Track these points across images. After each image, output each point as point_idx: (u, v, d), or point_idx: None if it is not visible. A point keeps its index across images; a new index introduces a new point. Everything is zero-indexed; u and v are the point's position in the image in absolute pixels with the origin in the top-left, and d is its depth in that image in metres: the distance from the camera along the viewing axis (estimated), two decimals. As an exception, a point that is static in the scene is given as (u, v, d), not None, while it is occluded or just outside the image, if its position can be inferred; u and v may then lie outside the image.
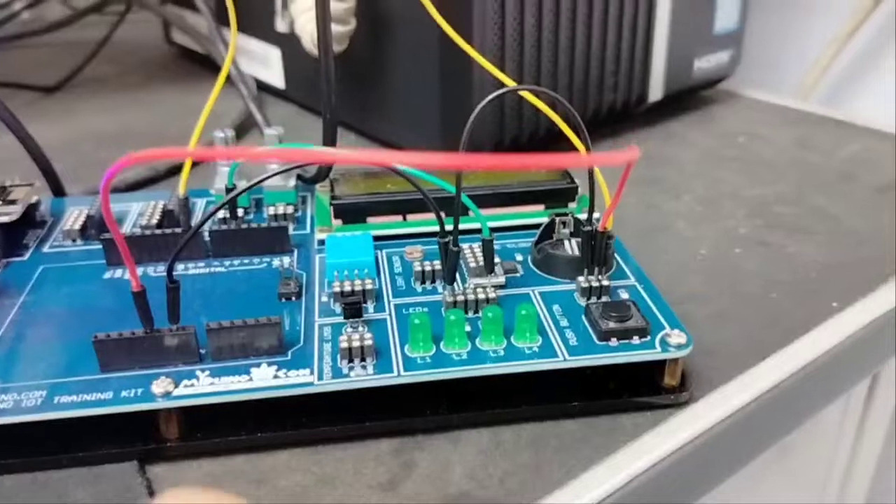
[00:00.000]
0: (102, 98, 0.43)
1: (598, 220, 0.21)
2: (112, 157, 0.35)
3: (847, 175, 0.32)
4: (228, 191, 0.22)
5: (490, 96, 0.17)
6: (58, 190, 0.27)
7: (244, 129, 0.37)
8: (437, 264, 0.21)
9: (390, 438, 0.18)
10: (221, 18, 0.42)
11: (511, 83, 0.19)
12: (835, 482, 0.33)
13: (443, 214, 0.20)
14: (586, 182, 0.21)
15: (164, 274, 0.17)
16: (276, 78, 0.39)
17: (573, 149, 0.29)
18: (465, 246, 0.21)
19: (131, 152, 0.14)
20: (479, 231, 0.21)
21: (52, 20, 0.55)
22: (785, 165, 0.33)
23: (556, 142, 0.32)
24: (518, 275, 0.21)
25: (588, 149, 0.18)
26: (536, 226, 0.23)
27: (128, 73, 0.47)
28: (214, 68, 0.44)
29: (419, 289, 0.21)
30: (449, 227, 0.20)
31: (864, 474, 0.33)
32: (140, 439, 0.17)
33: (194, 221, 0.23)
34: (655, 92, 0.35)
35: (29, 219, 0.24)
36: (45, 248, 0.23)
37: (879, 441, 0.33)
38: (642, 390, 0.19)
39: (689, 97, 0.39)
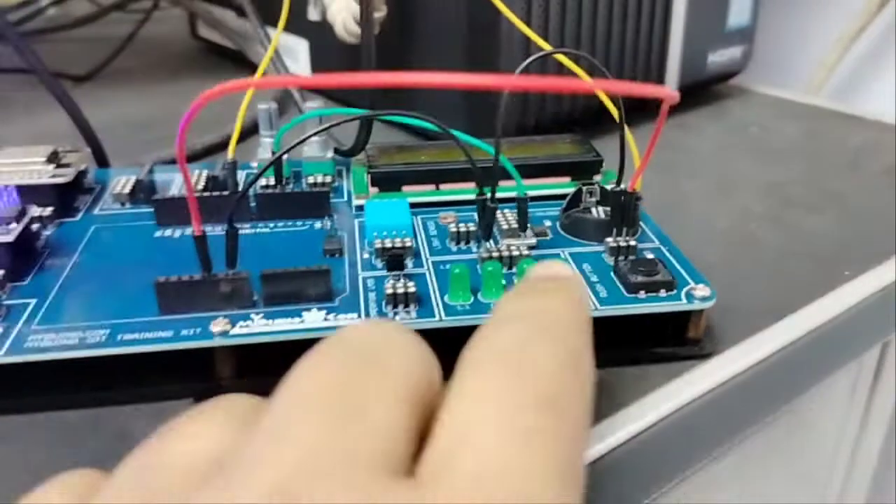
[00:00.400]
0: (132, 88, 0.44)
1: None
2: (146, 140, 0.37)
3: (855, 161, 0.33)
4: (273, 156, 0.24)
5: (533, 56, 0.19)
6: (102, 161, 0.28)
7: (281, 109, 0.38)
8: (472, 226, 0.22)
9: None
10: (244, 12, 0.44)
11: (547, 46, 0.21)
12: (844, 454, 0.34)
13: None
14: (611, 156, 0.23)
15: (214, 233, 0.18)
16: (304, 70, 0.40)
17: (597, 130, 0.31)
18: (498, 211, 0.22)
19: (206, 92, 0.15)
20: (512, 200, 0.22)
21: (77, 16, 0.57)
22: (795, 153, 0.34)
23: (576, 123, 0.34)
24: (548, 238, 0.22)
25: (622, 119, 0.20)
26: (563, 196, 0.24)
27: (154, 67, 0.49)
28: (242, 63, 0.46)
29: (454, 248, 0.22)
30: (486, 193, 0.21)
31: (872, 447, 0.34)
32: (196, 377, 0.19)
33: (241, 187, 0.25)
34: (671, 84, 0.36)
35: (79, 184, 0.25)
36: (96, 211, 0.24)
37: (888, 412, 0.34)
38: (668, 343, 0.20)
39: (702, 92, 0.40)
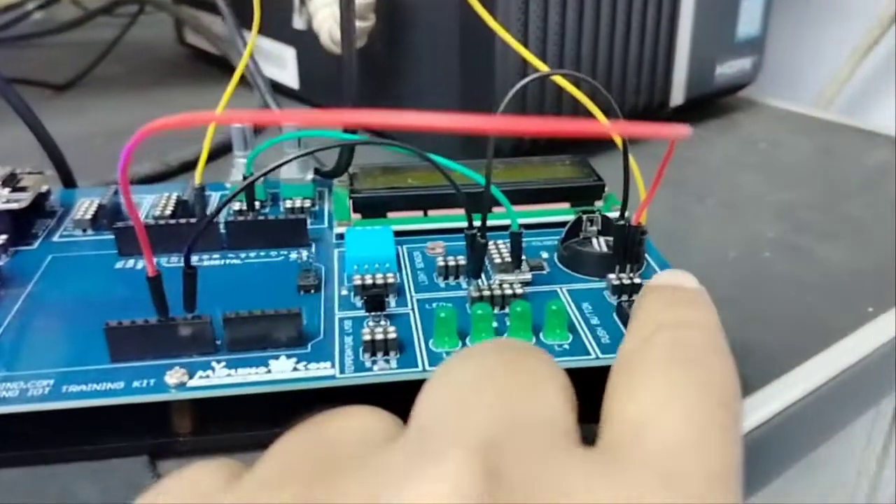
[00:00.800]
0: (114, 96, 0.43)
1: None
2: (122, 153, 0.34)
3: (870, 181, 0.31)
4: (245, 179, 0.22)
5: (529, 77, 0.17)
6: (68, 181, 0.26)
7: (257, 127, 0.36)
8: (461, 259, 0.20)
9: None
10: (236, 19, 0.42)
11: (544, 67, 0.19)
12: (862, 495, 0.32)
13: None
14: (612, 180, 0.21)
15: (179, 264, 0.17)
16: (290, 78, 0.38)
17: (597, 148, 0.29)
18: (490, 242, 0.20)
19: (149, 124, 0.13)
20: (505, 228, 0.20)
21: (63, 20, 0.55)
22: (808, 172, 0.32)
23: (575, 144, 0.32)
24: (544, 272, 0.20)
25: (626, 149, 0.18)
26: (561, 224, 0.22)
27: (139, 73, 0.47)
28: (228, 69, 0.44)
29: (442, 284, 0.20)
30: (476, 221, 0.19)
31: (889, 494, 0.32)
32: (151, 433, 0.17)
33: (210, 212, 0.23)
34: (677, 96, 0.34)
35: (38, 208, 0.23)
36: (55, 238, 0.22)
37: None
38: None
39: (710, 104, 0.38)
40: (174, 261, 0.21)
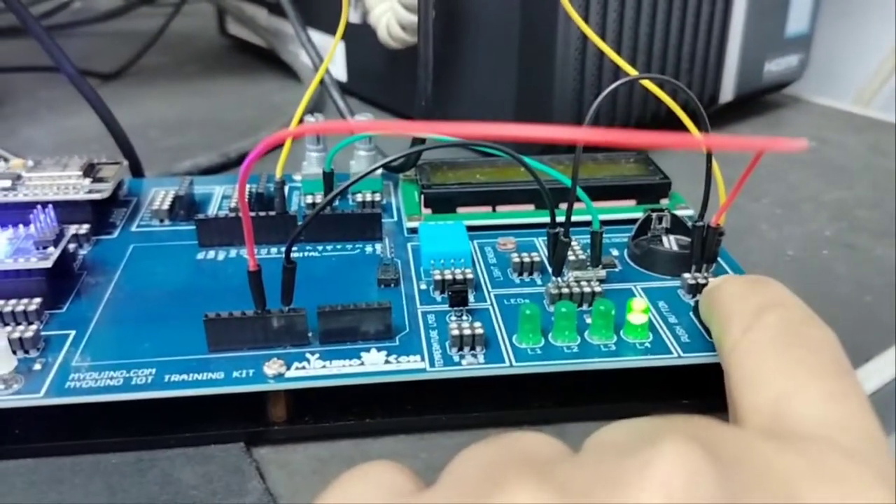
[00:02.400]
0: (161, 86, 0.43)
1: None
2: (177, 145, 0.35)
3: (925, 181, 0.31)
4: (325, 175, 0.22)
5: (619, 81, 0.17)
6: (137, 171, 0.27)
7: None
8: (535, 256, 0.20)
9: (495, 428, 0.18)
10: (276, 10, 0.42)
11: (633, 71, 0.19)
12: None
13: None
14: (675, 172, 0.21)
15: (266, 256, 0.17)
16: (339, 70, 0.39)
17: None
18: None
19: (272, 135, 0.13)
20: (578, 224, 0.20)
21: (102, 10, 0.56)
22: (859, 170, 0.32)
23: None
24: (617, 269, 0.21)
25: (710, 158, 0.18)
26: (628, 221, 0.23)
27: (184, 63, 0.47)
28: (270, 59, 0.44)
29: (517, 280, 0.20)
30: (559, 219, 0.19)
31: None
32: (247, 421, 0.17)
33: (289, 205, 0.23)
34: (727, 93, 0.34)
35: (114, 198, 0.24)
36: (133, 228, 0.23)
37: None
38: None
39: (755, 101, 0.38)
40: (258, 253, 0.21)
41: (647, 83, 0.19)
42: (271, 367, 0.17)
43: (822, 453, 0.11)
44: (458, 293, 0.19)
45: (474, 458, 0.12)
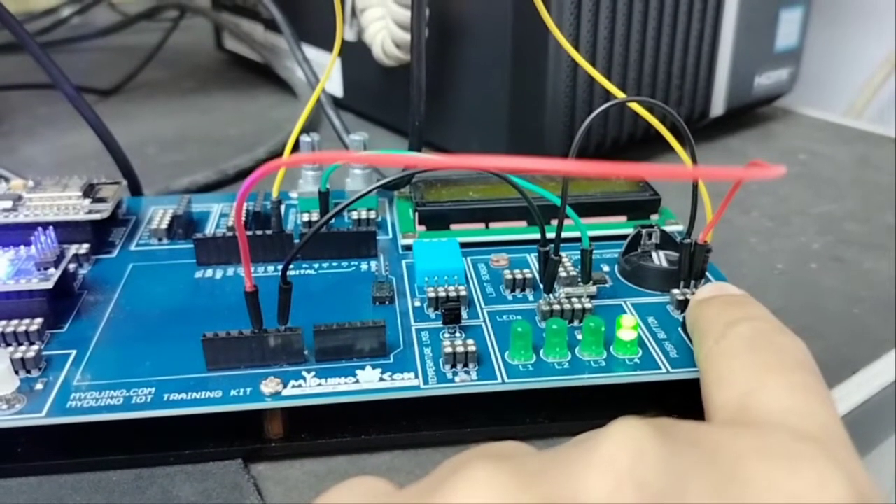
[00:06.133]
0: (159, 102, 0.44)
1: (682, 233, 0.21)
2: (175, 161, 0.36)
3: (913, 194, 0.31)
4: (321, 194, 0.23)
5: (608, 104, 0.18)
6: (135, 189, 0.27)
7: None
8: (527, 273, 0.21)
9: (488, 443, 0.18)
10: (272, 26, 0.43)
11: (620, 94, 0.19)
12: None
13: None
14: (660, 188, 0.21)
15: (263, 274, 0.17)
16: (335, 86, 0.39)
17: (644, 154, 0.29)
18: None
19: (273, 162, 0.14)
20: (568, 241, 0.21)
21: (100, 26, 0.56)
22: (848, 183, 0.32)
23: (622, 151, 0.33)
24: (607, 285, 0.21)
25: (694, 158, 0.18)
26: (617, 237, 0.23)
27: (182, 79, 0.48)
28: (267, 75, 0.45)
29: (509, 296, 0.21)
30: (550, 236, 0.20)
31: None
32: (245, 438, 0.18)
33: (285, 223, 0.24)
34: (717, 107, 0.35)
35: (113, 217, 0.24)
36: (132, 247, 0.23)
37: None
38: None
39: (746, 114, 0.39)
40: (259, 271, 0.22)
41: (634, 105, 0.19)
42: (268, 386, 0.17)
43: (776, 435, 0.12)
44: (451, 311, 0.19)
45: (449, 461, 0.13)
